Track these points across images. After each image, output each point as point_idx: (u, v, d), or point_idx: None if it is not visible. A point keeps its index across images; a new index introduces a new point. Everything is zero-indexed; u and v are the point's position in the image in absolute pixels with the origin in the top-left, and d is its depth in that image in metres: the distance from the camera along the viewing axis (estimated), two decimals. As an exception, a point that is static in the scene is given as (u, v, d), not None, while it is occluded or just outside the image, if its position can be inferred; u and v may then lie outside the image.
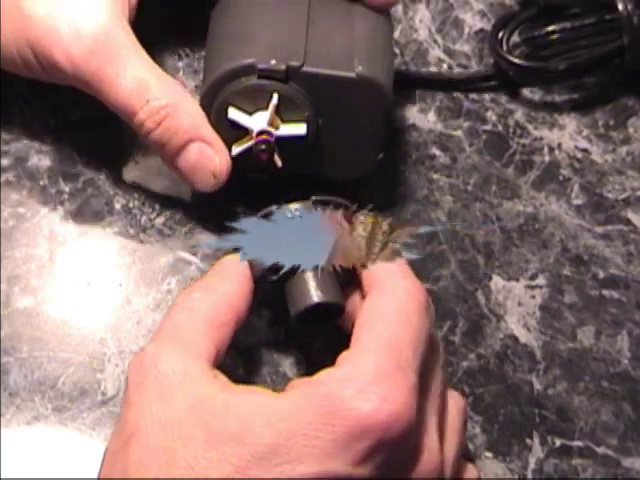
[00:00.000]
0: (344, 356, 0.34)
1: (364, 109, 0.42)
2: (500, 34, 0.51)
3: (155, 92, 0.40)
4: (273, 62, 0.40)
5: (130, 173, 0.48)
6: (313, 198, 0.40)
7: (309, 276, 0.39)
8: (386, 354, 0.33)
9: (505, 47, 0.50)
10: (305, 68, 0.41)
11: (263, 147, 0.41)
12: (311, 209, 0.39)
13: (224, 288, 0.38)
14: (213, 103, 0.41)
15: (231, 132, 0.42)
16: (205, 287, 0.38)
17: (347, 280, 0.40)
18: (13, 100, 0.48)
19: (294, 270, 0.39)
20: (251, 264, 0.39)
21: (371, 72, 0.41)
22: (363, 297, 0.38)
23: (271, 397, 0.33)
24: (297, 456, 0.31)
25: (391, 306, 0.35)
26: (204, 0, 0.46)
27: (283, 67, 0.40)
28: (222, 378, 0.35)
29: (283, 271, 0.38)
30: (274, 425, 0.32)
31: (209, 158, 0.42)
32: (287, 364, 0.44)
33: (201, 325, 0.36)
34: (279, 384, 0.43)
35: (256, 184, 0.45)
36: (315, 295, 0.38)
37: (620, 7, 0.49)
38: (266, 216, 0.40)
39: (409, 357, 0.34)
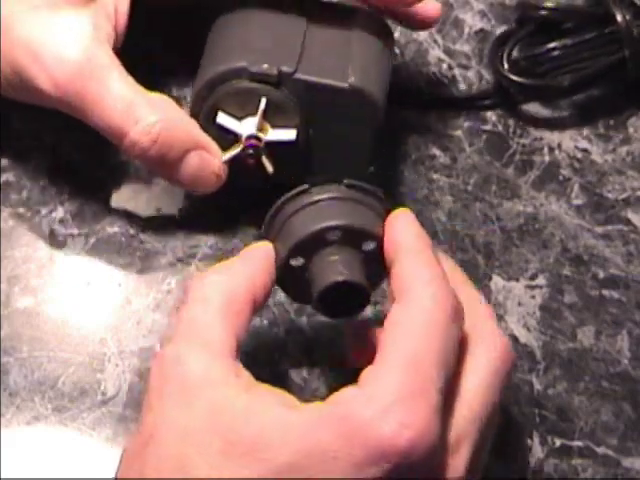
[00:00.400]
0: (367, 373, 0.33)
1: (355, 121, 0.42)
2: (500, 53, 0.51)
3: (144, 109, 0.40)
4: (265, 66, 0.40)
5: (130, 173, 0.48)
6: (345, 182, 0.38)
7: (335, 256, 0.37)
8: (409, 373, 0.32)
9: (506, 65, 0.50)
10: (297, 75, 0.41)
11: (250, 152, 0.41)
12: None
13: (239, 270, 0.37)
14: (204, 107, 0.41)
15: (220, 139, 0.42)
16: (219, 270, 0.37)
17: (377, 274, 0.38)
18: (13, 100, 0.48)
19: (319, 247, 0.37)
20: (276, 248, 0.38)
21: (364, 84, 0.41)
22: (392, 301, 0.37)
23: (292, 410, 0.32)
24: (313, 475, 0.31)
25: (416, 317, 0.34)
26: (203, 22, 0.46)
27: (275, 71, 0.40)
28: (244, 375, 0.34)
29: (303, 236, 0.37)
30: (292, 442, 0.31)
31: (209, 162, 0.42)
32: (287, 364, 0.44)
33: (218, 317, 0.35)
34: (279, 384, 0.43)
35: (248, 192, 0.45)
36: (340, 273, 0.36)
37: (619, 19, 0.49)
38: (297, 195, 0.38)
39: (433, 374, 0.33)
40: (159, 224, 0.47)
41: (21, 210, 0.47)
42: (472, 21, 0.54)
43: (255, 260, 0.37)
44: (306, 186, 0.38)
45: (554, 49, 0.49)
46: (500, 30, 0.53)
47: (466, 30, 0.54)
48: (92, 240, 0.47)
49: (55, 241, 0.46)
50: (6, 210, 0.47)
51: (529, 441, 0.44)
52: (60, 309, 0.45)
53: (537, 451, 0.44)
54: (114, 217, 0.47)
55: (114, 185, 0.48)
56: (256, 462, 0.31)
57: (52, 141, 0.48)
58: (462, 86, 0.52)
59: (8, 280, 0.45)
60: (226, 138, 0.42)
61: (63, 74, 0.40)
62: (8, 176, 0.48)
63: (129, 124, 0.40)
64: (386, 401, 0.31)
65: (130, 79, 0.41)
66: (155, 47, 0.50)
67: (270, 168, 0.42)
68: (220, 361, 0.34)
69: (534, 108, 0.52)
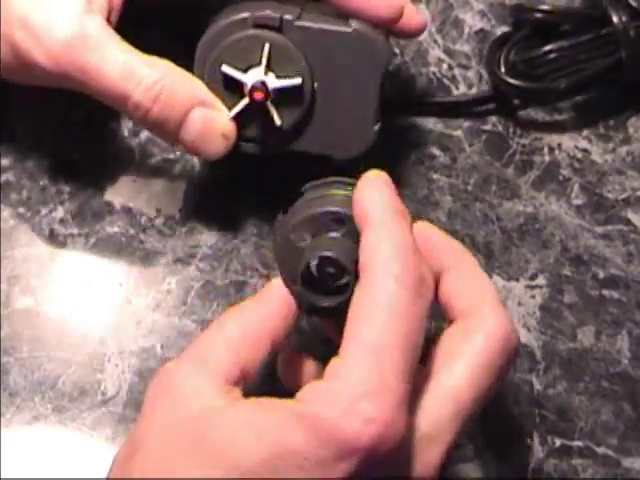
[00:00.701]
0: (332, 366, 0.33)
1: (360, 67, 0.42)
2: (497, 56, 0.51)
3: (144, 71, 0.40)
4: (268, 11, 0.40)
5: (130, 173, 0.48)
6: (333, 179, 0.39)
7: (331, 239, 0.37)
8: (372, 366, 0.32)
9: (504, 69, 0.50)
10: (299, 22, 0.41)
11: (258, 87, 0.40)
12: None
13: (257, 309, 0.37)
14: (208, 62, 0.41)
15: (227, 96, 0.41)
16: (241, 306, 0.38)
17: None
18: (13, 99, 0.48)
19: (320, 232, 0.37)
20: (287, 283, 0.38)
21: (367, 30, 0.41)
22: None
23: (261, 412, 0.33)
24: (283, 474, 0.31)
25: (378, 301, 0.33)
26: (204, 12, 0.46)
27: (277, 16, 0.40)
28: (236, 394, 0.35)
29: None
30: (263, 443, 0.32)
31: (214, 120, 0.41)
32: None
33: (225, 344, 0.36)
34: (278, 384, 0.43)
35: (251, 159, 0.44)
36: (328, 250, 0.36)
37: (615, 20, 0.48)
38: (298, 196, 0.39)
39: (399, 362, 0.32)
40: (159, 224, 0.47)
41: (21, 210, 0.47)
42: (472, 21, 0.54)
43: (275, 297, 0.38)
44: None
45: (551, 52, 0.49)
46: (500, 30, 0.53)
47: (466, 30, 0.54)
48: (92, 240, 0.47)
49: (55, 241, 0.46)
50: (6, 210, 0.47)
51: (529, 441, 0.44)
52: (60, 309, 0.45)
53: (537, 451, 0.44)
54: (114, 217, 0.47)
55: (114, 185, 0.48)
56: (229, 462, 0.32)
57: (52, 141, 0.48)
58: (462, 86, 0.52)
59: (8, 280, 0.45)
60: (233, 97, 0.41)
61: (57, 45, 0.40)
62: (8, 176, 0.48)
63: (131, 87, 0.40)
64: (350, 398, 0.31)
65: (125, 44, 0.41)
66: (153, 40, 0.50)
67: (278, 120, 0.41)
68: (215, 380, 0.34)
69: (534, 110, 0.52)
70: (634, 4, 0.49)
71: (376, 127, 0.43)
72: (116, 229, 0.47)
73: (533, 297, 0.47)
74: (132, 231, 0.47)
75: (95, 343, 0.44)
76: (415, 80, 0.52)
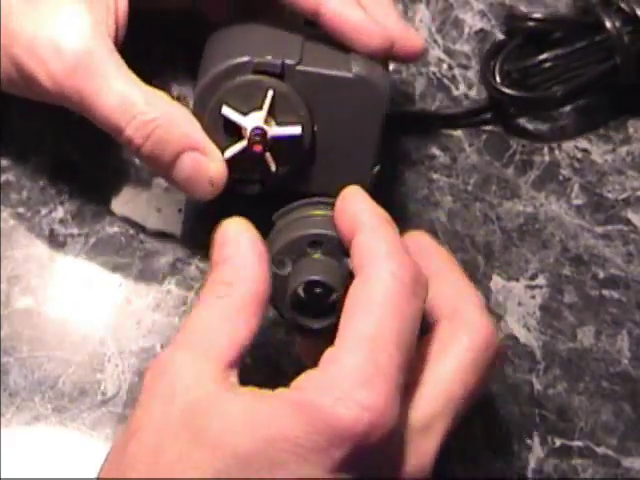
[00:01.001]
0: (328, 355, 0.33)
1: (361, 112, 0.42)
2: (491, 66, 0.51)
3: (141, 106, 0.40)
4: (269, 57, 0.40)
5: (130, 173, 0.48)
6: (301, 202, 0.40)
7: (314, 261, 0.38)
8: (367, 355, 0.32)
9: (499, 79, 0.50)
10: (301, 66, 0.41)
11: (258, 139, 0.40)
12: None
13: (245, 279, 0.36)
14: (207, 105, 0.41)
15: (225, 137, 0.42)
16: (226, 281, 0.36)
17: None
18: (13, 100, 0.48)
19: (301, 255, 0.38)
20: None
21: (368, 74, 0.41)
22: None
23: (257, 400, 0.33)
24: (277, 462, 0.31)
25: (374, 295, 0.34)
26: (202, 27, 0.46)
27: (279, 62, 0.40)
28: (232, 380, 0.34)
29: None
30: (256, 430, 0.32)
31: (204, 166, 0.41)
32: (287, 364, 0.45)
33: (220, 325, 0.35)
34: (279, 384, 0.43)
35: (247, 198, 0.45)
36: (315, 272, 0.37)
37: (609, 26, 0.48)
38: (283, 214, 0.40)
39: (393, 352, 0.33)
40: (159, 224, 0.47)
41: (21, 210, 0.47)
42: (472, 21, 0.54)
43: (256, 262, 0.37)
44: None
45: (546, 60, 0.49)
46: (500, 30, 0.53)
47: (466, 30, 0.54)
48: (92, 240, 0.47)
49: (55, 241, 0.46)
50: (6, 210, 0.47)
51: (529, 441, 0.44)
52: (60, 309, 0.45)
53: (537, 451, 0.44)
54: (114, 217, 0.47)
55: (114, 185, 0.48)
56: (221, 449, 0.32)
57: (52, 141, 0.48)
58: (462, 86, 0.52)
59: (8, 280, 0.45)
60: (231, 138, 0.42)
61: (61, 69, 0.40)
62: (8, 176, 0.48)
63: (126, 120, 0.40)
64: (345, 385, 0.32)
65: (129, 74, 0.41)
66: (154, 46, 0.50)
67: (273, 166, 0.42)
68: (213, 366, 0.34)
69: (533, 114, 0.52)
70: (627, 9, 0.49)
71: (375, 169, 0.43)
72: (116, 229, 0.47)
73: (533, 297, 0.47)
74: (132, 231, 0.47)
75: (95, 343, 0.44)
76: (415, 80, 0.52)
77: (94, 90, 0.40)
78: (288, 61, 0.40)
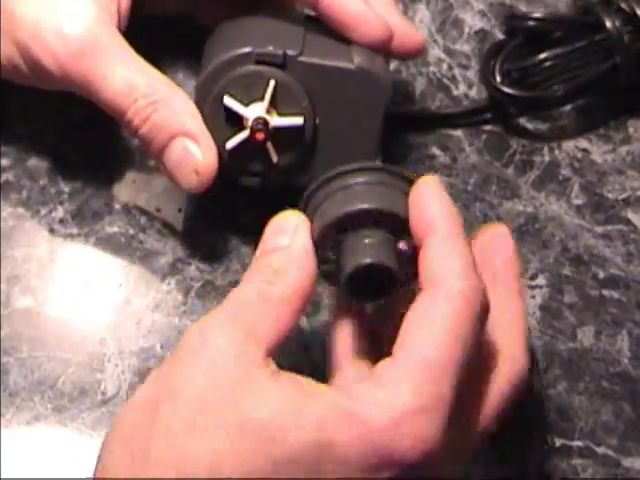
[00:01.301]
0: (385, 368, 0.33)
1: (362, 103, 0.42)
2: (491, 65, 0.51)
3: (143, 90, 0.41)
4: (271, 48, 0.40)
5: (130, 173, 0.48)
6: (381, 166, 0.38)
7: (366, 238, 0.36)
8: (429, 380, 0.32)
9: (499, 78, 0.50)
10: (302, 57, 0.41)
11: (259, 128, 0.40)
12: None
13: (294, 272, 0.36)
14: (209, 95, 0.41)
15: (227, 128, 0.42)
16: (276, 269, 0.36)
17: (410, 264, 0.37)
18: (13, 100, 0.48)
19: (352, 229, 0.37)
20: (312, 225, 0.37)
21: (369, 65, 0.41)
22: (419, 287, 0.35)
23: (308, 397, 0.32)
24: (323, 470, 0.31)
25: (443, 316, 0.33)
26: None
27: (280, 52, 0.40)
28: (273, 365, 0.34)
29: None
30: (306, 431, 0.31)
31: (192, 155, 0.41)
32: (287, 364, 0.44)
33: (266, 309, 0.35)
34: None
35: (248, 192, 0.45)
36: (369, 255, 0.36)
37: (609, 25, 0.48)
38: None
39: (453, 383, 0.32)
40: (159, 224, 0.47)
41: (21, 210, 0.47)
42: (472, 21, 0.54)
43: (302, 250, 0.36)
44: (346, 167, 0.38)
45: (546, 60, 0.49)
46: (500, 30, 0.53)
47: (466, 30, 0.54)
48: (92, 240, 0.47)
49: (55, 241, 0.46)
50: (6, 210, 0.47)
51: (529, 441, 0.44)
52: (60, 309, 0.45)
53: (537, 451, 0.44)
54: (114, 217, 0.47)
55: (114, 185, 0.48)
56: (269, 444, 0.31)
57: (52, 141, 0.48)
58: (462, 86, 0.52)
59: (8, 280, 0.45)
60: (233, 129, 0.41)
61: (66, 53, 0.41)
62: (8, 176, 0.48)
63: (127, 104, 0.41)
64: (403, 408, 0.31)
65: (133, 57, 0.41)
66: (154, 44, 0.50)
67: (275, 157, 0.42)
68: (257, 348, 0.34)
69: (533, 114, 0.52)
70: (627, 9, 0.49)
71: (378, 160, 0.43)
72: (116, 229, 0.47)
73: (533, 297, 0.47)
74: (132, 231, 0.47)
75: (95, 343, 0.44)
76: (415, 80, 0.52)
77: (99, 74, 0.41)
78: (290, 52, 0.40)
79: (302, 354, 0.45)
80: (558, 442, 0.44)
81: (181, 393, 0.33)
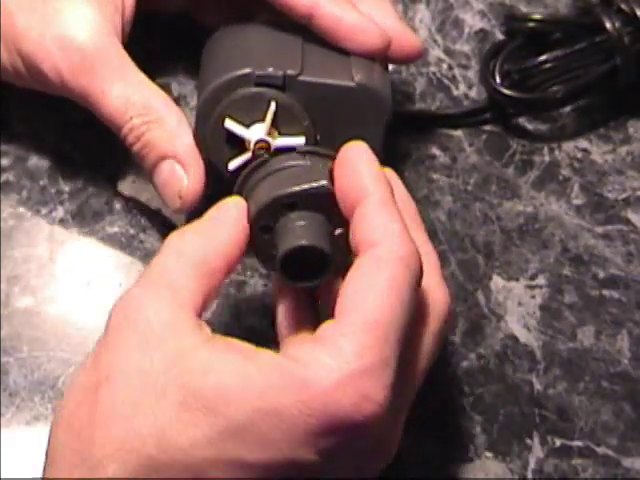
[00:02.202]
0: (327, 332, 0.33)
1: (363, 121, 0.41)
2: (491, 67, 0.51)
3: (138, 109, 0.41)
4: (270, 69, 0.40)
5: (130, 173, 0.48)
6: (298, 149, 0.39)
7: (299, 221, 0.37)
8: (372, 340, 0.32)
9: (498, 79, 0.50)
10: (302, 77, 0.40)
11: (262, 152, 0.41)
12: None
13: (217, 234, 0.37)
14: (210, 117, 0.41)
15: (228, 149, 0.41)
16: (197, 230, 0.37)
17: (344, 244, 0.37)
18: (13, 100, 0.48)
19: (285, 212, 0.37)
20: (248, 208, 0.38)
21: (370, 82, 0.41)
22: (351, 253, 0.36)
23: (250, 362, 0.32)
24: (270, 438, 0.31)
25: (384, 280, 0.33)
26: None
27: (280, 74, 0.40)
28: (206, 330, 0.34)
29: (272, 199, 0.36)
30: (251, 400, 0.31)
31: (177, 178, 0.41)
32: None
33: (190, 271, 0.35)
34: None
35: None
36: (302, 237, 0.36)
37: (609, 27, 0.48)
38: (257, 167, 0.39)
39: (394, 341, 0.32)
40: (159, 224, 0.47)
41: (21, 210, 0.47)
42: (472, 21, 0.54)
43: (231, 222, 0.37)
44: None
45: (546, 61, 0.49)
46: (500, 30, 0.53)
47: (466, 30, 0.54)
48: (92, 240, 0.47)
49: (55, 241, 0.46)
50: (6, 210, 0.47)
51: (529, 441, 0.44)
52: (60, 309, 0.45)
53: (537, 451, 0.44)
54: (114, 217, 0.47)
55: (114, 185, 0.48)
56: (215, 416, 0.31)
57: (52, 141, 0.48)
58: (462, 86, 0.52)
59: (8, 280, 0.45)
60: (234, 150, 0.41)
61: (68, 67, 0.41)
62: (8, 176, 0.48)
63: (124, 120, 0.42)
64: (347, 370, 0.31)
65: (133, 73, 0.42)
66: (154, 46, 0.50)
67: None
68: (185, 313, 0.34)
69: (533, 114, 0.52)
70: (627, 10, 0.49)
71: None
72: (116, 229, 0.47)
73: (533, 297, 0.47)
74: (132, 231, 0.47)
75: (95, 343, 0.44)
76: (415, 80, 0.52)
77: (97, 90, 0.41)
78: (290, 72, 0.40)
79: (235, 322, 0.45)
80: (558, 442, 0.44)
81: (118, 373, 0.33)
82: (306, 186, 0.37)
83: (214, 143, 0.41)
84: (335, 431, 0.31)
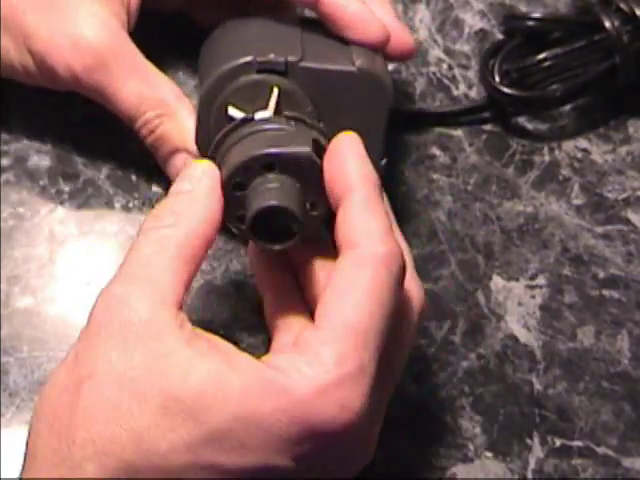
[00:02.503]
0: (307, 339, 0.33)
1: (365, 106, 0.41)
2: (490, 66, 0.51)
3: (152, 103, 0.43)
4: (272, 56, 0.40)
5: (130, 173, 0.48)
6: (285, 114, 0.39)
7: (275, 182, 0.36)
8: (351, 347, 0.32)
9: (498, 78, 0.50)
10: (304, 63, 0.40)
11: None
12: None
13: (194, 212, 0.36)
14: (213, 106, 0.41)
15: None
16: (174, 211, 0.36)
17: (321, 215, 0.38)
18: (13, 100, 0.48)
19: (256, 175, 0.36)
20: (221, 169, 0.37)
21: (371, 67, 0.41)
22: (337, 250, 0.35)
23: (232, 369, 0.32)
24: (248, 445, 0.31)
25: (364, 283, 0.33)
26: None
27: (282, 60, 0.40)
28: (187, 327, 0.34)
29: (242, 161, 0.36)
30: (230, 408, 0.31)
31: None
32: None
33: (170, 262, 0.35)
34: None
35: None
36: (272, 198, 0.36)
37: (608, 25, 0.48)
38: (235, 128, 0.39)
39: (373, 347, 0.32)
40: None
41: (21, 210, 0.47)
42: (472, 21, 0.54)
43: (206, 196, 0.36)
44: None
45: (545, 60, 0.49)
46: (500, 30, 0.53)
47: (466, 30, 0.54)
48: (92, 240, 0.47)
49: (55, 241, 0.46)
50: (6, 210, 0.47)
51: (529, 441, 0.44)
52: (60, 309, 0.45)
53: (537, 451, 0.44)
54: (114, 217, 0.47)
55: (114, 185, 0.48)
56: (194, 423, 0.31)
57: (52, 140, 0.48)
58: (462, 86, 0.52)
59: (8, 280, 0.45)
60: None
61: (80, 65, 0.42)
62: (8, 176, 0.48)
63: (137, 115, 0.43)
64: (326, 379, 0.31)
65: (144, 67, 0.43)
66: (154, 46, 0.50)
67: None
68: (166, 309, 0.33)
69: (532, 113, 0.52)
70: (626, 9, 0.49)
71: (383, 162, 0.43)
72: (116, 229, 0.47)
73: (533, 297, 0.47)
74: (132, 231, 0.47)
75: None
76: (415, 80, 0.52)
77: (112, 87, 0.42)
78: (291, 58, 0.40)
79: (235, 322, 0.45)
80: (558, 442, 0.44)
81: (99, 373, 0.32)
82: (289, 149, 0.37)
83: (218, 132, 0.41)
84: (312, 439, 0.32)
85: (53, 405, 0.33)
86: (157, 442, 0.31)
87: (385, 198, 0.38)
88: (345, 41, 0.42)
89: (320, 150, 0.37)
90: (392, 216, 0.39)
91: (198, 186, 0.37)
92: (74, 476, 0.32)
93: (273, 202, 0.36)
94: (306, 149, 0.37)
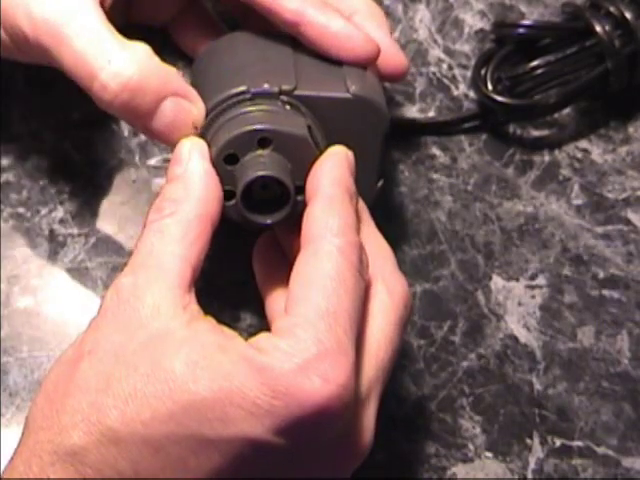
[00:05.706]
0: (283, 324, 0.34)
1: (361, 131, 0.41)
2: (482, 74, 0.50)
3: (116, 52, 0.38)
4: (266, 85, 0.40)
5: (130, 173, 0.48)
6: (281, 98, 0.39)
7: (261, 157, 0.38)
8: (326, 327, 0.33)
9: (490, 86, 0.50)
10: (298, 91, 0.40)
11: None
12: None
13: (192, 197, 0.36)
14: (206, 139, 0.40)
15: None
16: (173, 199, 0.37)
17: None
18: (13, 99, 0.48)
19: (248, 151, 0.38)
20: (210, 145, 0.38)
21: (366, 92, 0.41)
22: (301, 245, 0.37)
23: (220, 350, 0.33)
24: (232, 417, 0.32)
25: (327, 271, 0.34)
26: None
27: (276, 89, 0.40)
28: (191, 309, 0.35)
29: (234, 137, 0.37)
30: (217, 380, 0.32)
31: (186, 110, 0.39)
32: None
33: (174, 248, 0.35)
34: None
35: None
36: (263, 168, 0.37)
37: (599, 31, 0.48)
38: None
39: (348, 328, 0.33)
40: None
41: (21, 210, 0.47)
42: (472, 21, 0.54)
43: (202, 181, 0.37)
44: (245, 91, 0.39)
45: (537, 67, 0.49)
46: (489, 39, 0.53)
47: (466, 30, 0.54)
48: (92, 240, 0.47)
49: (55, 241, 0.46)
50: (6, 210, 0.47)
51: (529, 441, 0.44)
52: (60, 309, 0.45)
53: (537, 451, 0.44)
54: (114, 217, 0.47)
55: (114, 185, 0.48)
56: (179, 391, 0.32)
57: (52, 141, 0.48)
58: (462, 86, 0.52)
59: (8, 280, 0.45)
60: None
61: (41, 10, 0.39)
62: (8, 176, 0.48)
63: (100, 65, 0.37)
64: (306, 355, 0.32)
65: (108, 23, 0.39)
66: (155, 42, 0.50)
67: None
68: (171, 294, 0.34)
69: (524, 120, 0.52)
70: (616, 13, 0.48)
71: (379, 184, 0.43)
72: (116, 229, 0.47)
73: (533, 297, 0.47)
74: (132, 231, 0.47)
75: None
76: (415, 80, 0.52)
77: (69, 34, 0.38)
78: (285, 87, 0.40)
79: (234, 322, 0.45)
80: (558, 442, 0.44)
81: (99, 349, 0.34)
82: (287, 128, 0.38)
83: (215, 163, 0.41)
84: (298, 413, 0.32)
85: (53, 378, 0.35)
86: (141, 409, 0.32)
87: (368, 214, 0.40)
88: (337, 61, 0.42)
89: (313, 138, 0.39)
90: (371, 223, 0.40)
91: (189, 167, 0.37)
92: (61, 440, 0.32)
93: (266, 172, 0.37)
94: (303, 131, 0.38)
